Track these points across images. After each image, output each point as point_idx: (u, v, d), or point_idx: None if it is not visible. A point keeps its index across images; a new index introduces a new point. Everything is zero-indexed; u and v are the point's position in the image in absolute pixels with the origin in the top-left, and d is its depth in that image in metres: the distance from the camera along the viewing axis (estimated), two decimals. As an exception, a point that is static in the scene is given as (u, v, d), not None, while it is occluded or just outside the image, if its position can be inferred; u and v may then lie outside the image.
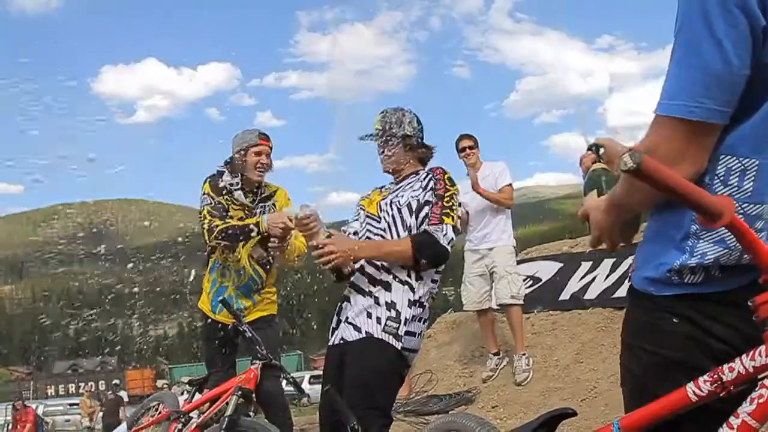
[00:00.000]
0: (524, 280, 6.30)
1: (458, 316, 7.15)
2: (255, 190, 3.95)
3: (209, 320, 4.03)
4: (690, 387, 1.17)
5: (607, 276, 6.30)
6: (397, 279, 2.74)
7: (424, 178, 2.85)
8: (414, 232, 2.76)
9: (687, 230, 1.26)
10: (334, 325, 2.86)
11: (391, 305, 2.71)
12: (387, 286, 2.74)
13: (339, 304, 2.88)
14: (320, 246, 2.70)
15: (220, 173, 3.92)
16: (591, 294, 6.34)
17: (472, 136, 5.92)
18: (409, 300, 2.73)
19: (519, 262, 6.32)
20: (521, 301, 5.76)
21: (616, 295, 6.00)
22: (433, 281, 2.82)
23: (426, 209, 2.76)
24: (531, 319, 6.46)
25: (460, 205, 2.90)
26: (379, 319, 2.70)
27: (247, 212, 3.90)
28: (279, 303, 4.17)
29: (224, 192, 3.88)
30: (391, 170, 2.96)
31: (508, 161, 6.03)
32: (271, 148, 3.90)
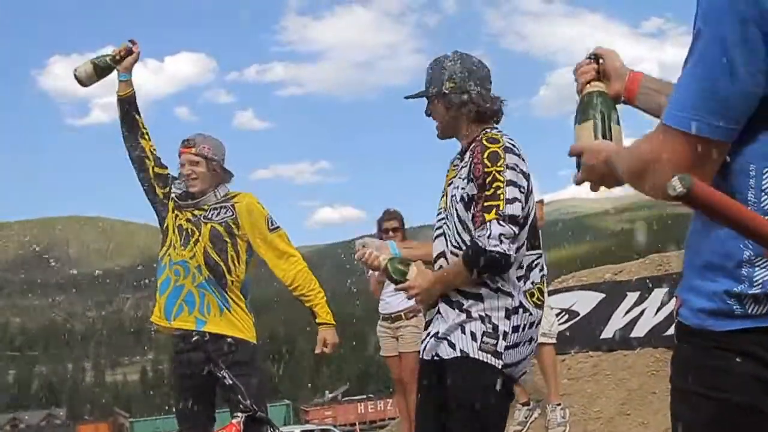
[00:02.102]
0: (558, 315, 6.33)
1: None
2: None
3: (178, 354, 3.93)
4: None
5: (659, 309, 6.32)
6: (487, 287, 2.78)
7: (468, 157, 2.82)
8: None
9: (739, 258, 1.31)
10: (423, 336, 2.97)
11: (485, 318, 2.76)
12: (478, 297, 2.79)
13: (428, 316, 2.95)
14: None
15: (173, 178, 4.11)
16: (639, 331, 6.36)
17: None
18: (507, 309, 2.76)
19: (551, 293, 6.35)
20: (554, 340, 5.77)
21: (670, 332, 6.01)
22: (532, 268, 2.81)
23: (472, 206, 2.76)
24: (567, 361, 6.47)
25: (519, 184, 2.73)
26: (474, 335, 2.76)
27: (193, 218, 3.97)
28: (263, 340, 4.16)
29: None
30: (442, 138, 2.97)
31: (536, 171, 6.07)
32: (197, 154, 3.96)
